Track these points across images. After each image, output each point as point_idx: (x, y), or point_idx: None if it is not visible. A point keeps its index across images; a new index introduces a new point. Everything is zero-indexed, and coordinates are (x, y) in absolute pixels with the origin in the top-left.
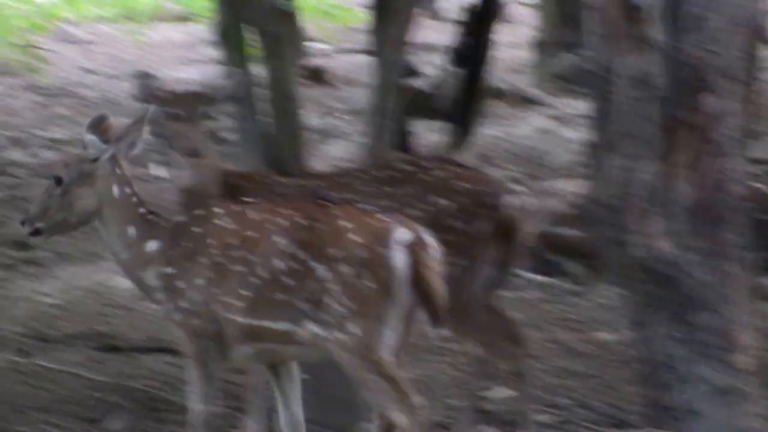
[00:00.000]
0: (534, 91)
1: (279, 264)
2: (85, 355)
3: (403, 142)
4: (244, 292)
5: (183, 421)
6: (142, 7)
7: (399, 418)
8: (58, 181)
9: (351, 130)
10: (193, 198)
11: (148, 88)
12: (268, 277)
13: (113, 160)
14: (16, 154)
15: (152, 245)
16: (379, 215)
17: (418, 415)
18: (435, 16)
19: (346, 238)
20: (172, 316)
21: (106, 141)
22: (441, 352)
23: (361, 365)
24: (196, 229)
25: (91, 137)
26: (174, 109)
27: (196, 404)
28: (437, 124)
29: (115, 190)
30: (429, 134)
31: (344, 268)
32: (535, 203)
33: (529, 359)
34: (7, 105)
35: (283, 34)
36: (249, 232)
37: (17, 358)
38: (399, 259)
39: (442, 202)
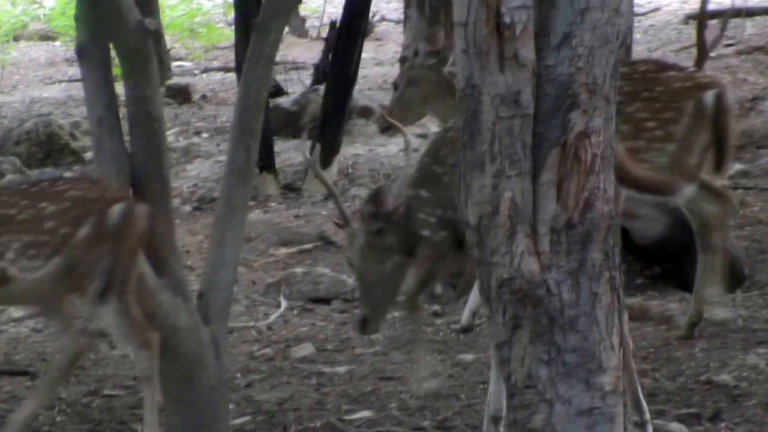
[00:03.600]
0: None
1: None
2: None
3: (268, 160)
4: None
5: None
6: (5, 26)
7: None
8: None
9: (215, 149)
10: None
11: None
12: None
13: None
14: None
15: None
16: None
17: None
18: (303, 34)
19: None
20: None
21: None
22: (304, 374)
23: None
24: None
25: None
26: None
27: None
28: (303, 143)
29: None
30: (295, 153)
31: None
32: None
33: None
34: None
35: (146, 51)
36: None
37: None
38: None
39: (49, 207)
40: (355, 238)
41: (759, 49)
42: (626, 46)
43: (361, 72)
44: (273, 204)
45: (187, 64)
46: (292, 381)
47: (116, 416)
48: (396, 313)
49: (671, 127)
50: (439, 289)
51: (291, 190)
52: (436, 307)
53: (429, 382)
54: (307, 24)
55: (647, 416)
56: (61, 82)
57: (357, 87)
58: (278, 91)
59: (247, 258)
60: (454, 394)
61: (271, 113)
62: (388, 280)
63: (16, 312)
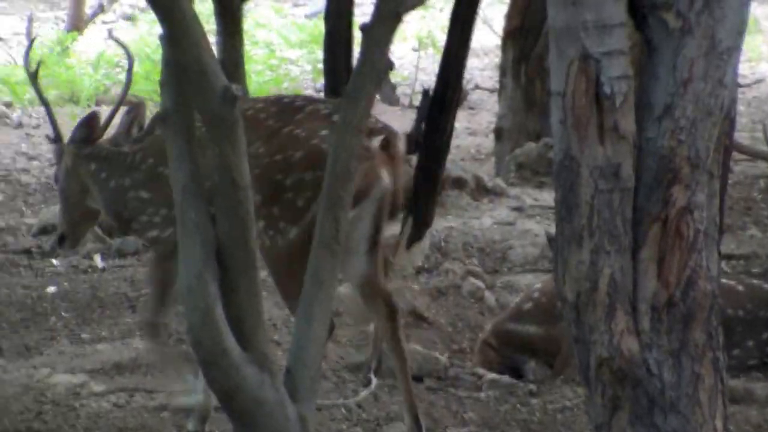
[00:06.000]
0: (495, 181)
1: None
2: None
3: None
4: None
5: None
6: (86, 91)
7: None
8: None
9: None
10: None
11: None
12: None
13: None
14: None
15: None
16: None
17: None
18: (395, 102)
19: None
20: None
21: None
22: None
23: None
24: None
25: None
26: None
27: None
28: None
29: None
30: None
31: None
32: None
33: None
34: None
35: (232, 118)
36: None
37: None
38: None
39: None
40: (63, 156)
41: None
42: (731, 118)
43: (454, 142)
44: None
45: None
46: None
47: None
48: (489, 392)
49: None
50: (532, 365)
51: None
52: (532, 386)
53: (185, 399)
54: (399, 91)
55: None
56: None
57: (450, 157)
58: None
59: (335, 333)
60: None
61: None
62: (86, 203)
63: (97, 386)
